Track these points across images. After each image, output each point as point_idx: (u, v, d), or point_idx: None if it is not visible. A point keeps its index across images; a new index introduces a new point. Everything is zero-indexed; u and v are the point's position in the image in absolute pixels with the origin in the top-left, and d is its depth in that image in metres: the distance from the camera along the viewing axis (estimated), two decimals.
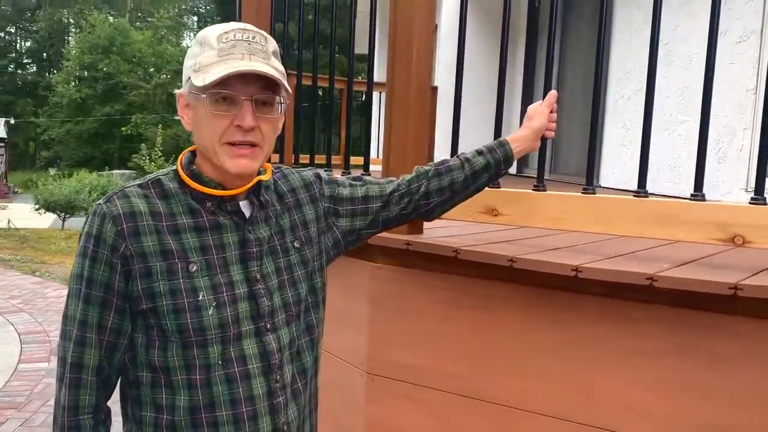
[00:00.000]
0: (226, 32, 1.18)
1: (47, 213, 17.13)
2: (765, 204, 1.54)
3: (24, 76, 46.54)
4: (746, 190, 3.96)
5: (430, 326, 1.92)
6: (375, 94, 9.81)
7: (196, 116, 1.19)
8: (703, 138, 1.63)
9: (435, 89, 8.12)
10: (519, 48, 7.92)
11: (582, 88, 6.21)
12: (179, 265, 1.17)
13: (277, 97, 1.20)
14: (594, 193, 1.76)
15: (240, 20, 2.85)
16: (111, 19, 39.26)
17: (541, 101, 1.73)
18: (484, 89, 8.12)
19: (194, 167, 1.23)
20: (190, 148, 1.27)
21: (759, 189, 1.56)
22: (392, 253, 1.96)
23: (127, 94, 35.26)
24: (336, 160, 7.17)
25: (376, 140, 7.77)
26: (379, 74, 11.92)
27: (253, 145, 1.19)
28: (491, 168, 1.57)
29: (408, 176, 1.53)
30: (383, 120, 1.92)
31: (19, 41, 47.63)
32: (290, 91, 1.23)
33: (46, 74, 44.81)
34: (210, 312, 1.17)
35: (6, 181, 29.70)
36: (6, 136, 31.13)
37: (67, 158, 36.55)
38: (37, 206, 17.15)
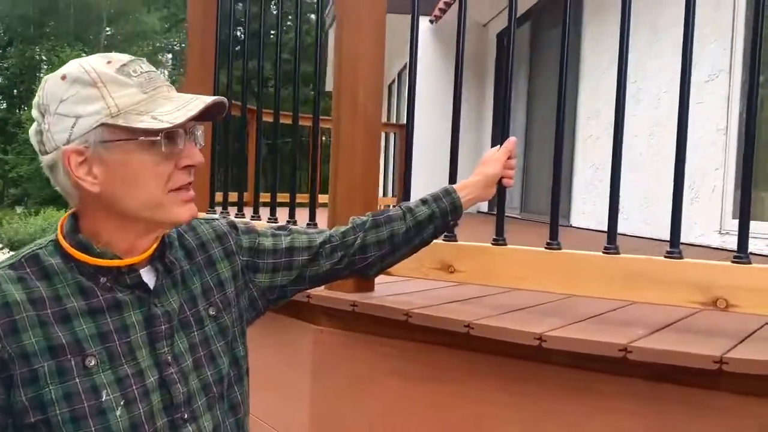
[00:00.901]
0: (124, 64, 0.97)
1: (11, 252, 16.69)
2: (749, 263, 1.37)
3: None
4: (720, 233, 3.83)
5: (379, 400, 1.70)
6: None
7: (128, 169, 0.96)
8: (678, 191, 1.46)
9: (404, 126, 8.02)
10: (488, 86, 7.87)
11: (553, 127, 6.12)
12: (73, 362, 0.93)
13: (202, 127, 1.03)
14: (559, 248, 1.58)
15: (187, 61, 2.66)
16: (83, 56, 39.03)
17: (499, 146, 1.57)
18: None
19: (80, 236, 0.99)
20: (69, 212, 1.04)
21: (741, 246, 1.38)
22: (337, 314, 1.75)
23: None
24: (301, 198, 6.98)
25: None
26: None
27: (190, 184, 1.02)
28: (436, 219, 1.39)
29: (342, 228, 1.34)
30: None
31: None
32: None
33: (17, 111, 44.25)
34: (118, 413, 0.93)
35: None
36: None
37: (35, 196, 35.84)
38: (0, 245, 16.70)
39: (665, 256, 1.45)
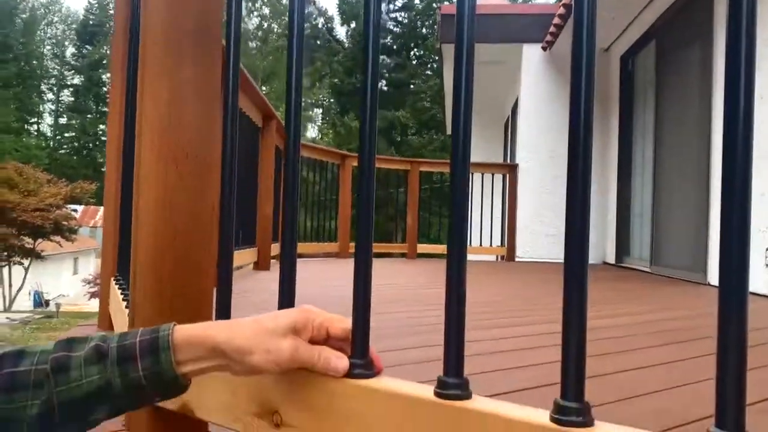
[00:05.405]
0: None
1: None
2: None
3: None
4: None
5: None
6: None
7: None
8: None
9: (515, 167, 7.09)
10: (613, 114, 6.75)
11: (684, 162, 4.92)
12: None
13: None
14: (465, 396, 0.70)
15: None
16: None
17: (340, 323, 0.75)
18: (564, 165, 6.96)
19: None
20: None
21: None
22: None
23: None
24: (402, 248, 6.21)
25: (481, 226, 6.78)
26: (475, 155, 11.02)
27: None
28: (117, 397, 0.68)
29: None
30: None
31: None
32: None
33: None
34: None
35: None
36: None
37: None
38: None
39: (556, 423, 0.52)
